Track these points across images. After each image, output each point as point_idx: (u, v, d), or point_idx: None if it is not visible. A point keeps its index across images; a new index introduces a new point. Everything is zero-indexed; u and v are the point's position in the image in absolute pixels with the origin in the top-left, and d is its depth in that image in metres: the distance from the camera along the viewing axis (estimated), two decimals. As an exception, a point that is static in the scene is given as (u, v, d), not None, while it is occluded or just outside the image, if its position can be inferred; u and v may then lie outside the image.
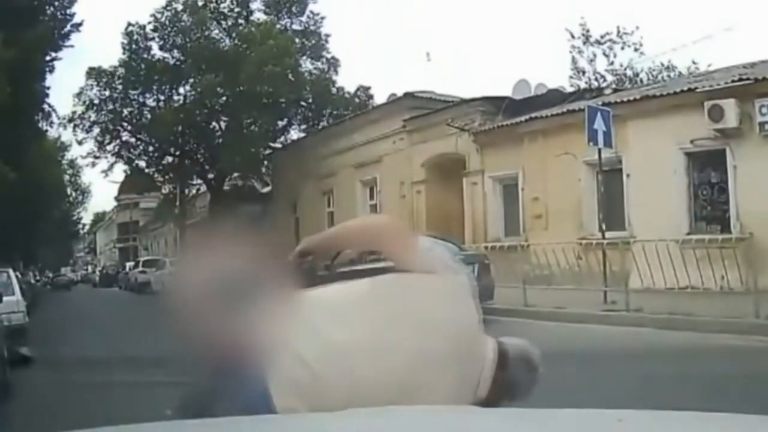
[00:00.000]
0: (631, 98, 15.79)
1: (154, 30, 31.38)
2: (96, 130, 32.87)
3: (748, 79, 13.30)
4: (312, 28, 32.69)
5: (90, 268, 69.83)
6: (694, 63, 26.47)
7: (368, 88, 33.13)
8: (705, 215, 14.30)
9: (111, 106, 32.27)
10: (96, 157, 34.01)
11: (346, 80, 49.99)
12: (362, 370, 1.60)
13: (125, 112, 32.81)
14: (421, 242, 1.80)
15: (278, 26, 31.22)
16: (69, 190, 56.24)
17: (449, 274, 1.76)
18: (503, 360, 1.75)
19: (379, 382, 1.60)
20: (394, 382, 1.60)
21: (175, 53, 31.42)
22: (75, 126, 32.55)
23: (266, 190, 33.74)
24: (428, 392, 1.60)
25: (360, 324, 1.65)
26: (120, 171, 37.04)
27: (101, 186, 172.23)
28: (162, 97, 32.43)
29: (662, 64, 28.14)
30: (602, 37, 28.06)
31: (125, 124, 33.20)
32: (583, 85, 26.28)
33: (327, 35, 32.90)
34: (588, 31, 28.20)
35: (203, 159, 33.32)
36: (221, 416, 1.56)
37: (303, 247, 1.86)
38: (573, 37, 28.31)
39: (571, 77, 28.58)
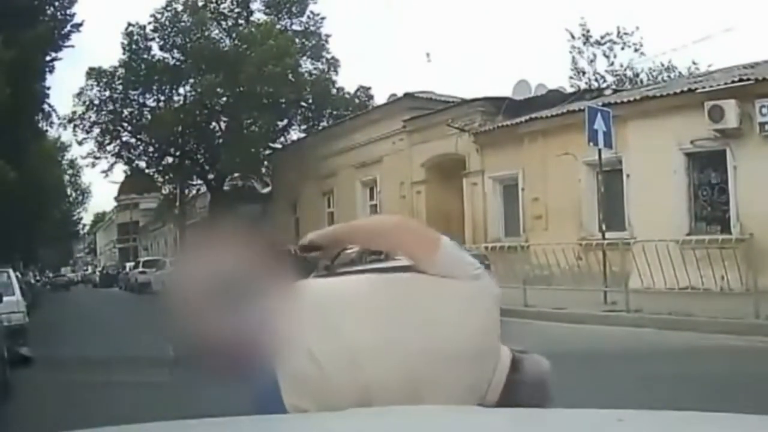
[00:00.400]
0: (631, 99, 15.79)
1: (154, 30, 31.39)
2: (96, 130, 32.94)
3: (748, 79, 13.30)
4: (312, 28, 32.73)
5: (90, 268, 69.86)
6: (694, 63, 26.44)
7: (368, 89, 33.19)
8: (705, 216, 14.29)
9: (111, 107, 32.29)
10: (96, 158, 34.10)
11: (346, 80, 49.91)
12: (368, 368, 1.60)
13: (125, 112, 32.84)
14: (444, 245, 1.73)
15: (278, 26, 31.22)
16: (69, 190, 56.21)
17: (469, 279, 1.71)
18: (516, 370, 1.73)
19: (384, 381, 1.59)
20: (399, 382, 1.59)
21: (175, 53, 31.43)
22: (75, 126, 32.64)
23: (266, 190, 33.74)
24: (433, 394, 1.59)
25: (369, 322, 1.64)
26: (120, 171, 37.14)
27: (101, 186, 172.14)
28: (162, 98, 32.45)
29: (662, 65, 28.13)
30: (602, 37, 28.04)
31: (125, 124, 33.23)
32: (583, 86, 26.24)
33: (327, 35, 32.98)
34: (588, 31, 28.19)
35: (203, 159, 33.33)
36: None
37: (309, 240, 1.84)
38: (573, 37, 28.30)
39: (571, 78, 28.56)
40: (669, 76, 26.85)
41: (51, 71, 23.17)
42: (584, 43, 28.27)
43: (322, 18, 32.84)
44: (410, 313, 1.66)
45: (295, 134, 33.05)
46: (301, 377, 1.62)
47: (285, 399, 1.61)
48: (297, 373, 1.63)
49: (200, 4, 31.51)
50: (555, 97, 19.98)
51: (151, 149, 33.98)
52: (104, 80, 31.76)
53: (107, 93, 32.00)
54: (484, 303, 1.72)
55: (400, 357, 1.61)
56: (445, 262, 1.70)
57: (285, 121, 32.48)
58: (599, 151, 12.82)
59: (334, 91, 32.19)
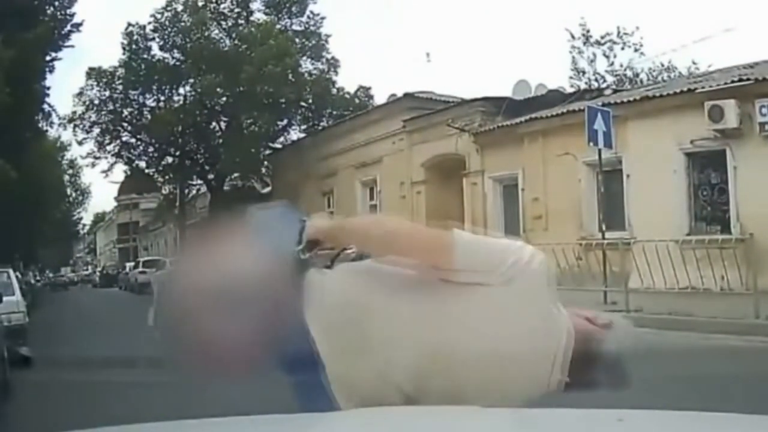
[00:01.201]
0: (631, 99, 15.79)
1: (154, 30, 31.43)
2: (96, 130, 33.00)
3: (748, 79, 13.30)
4: (312, 28, 32.74)
5: (90, 268, 69.88)
6: (694, 63, 26.46)
7: (368, 89, 33.21)
8: (705, 216, 14.29)
9: (111, 107, 32.34)
10: (96, 158, 34.16)
11: (346, 80, 49.90)
12: (403, 372, 1.58)
13: (125, 112, 32.87)
14: (458, 240, 1.61)
15: (278, 26, 31.24)
16: (69, 190, 56.13)
17: (501, 285, 1.58)
18: (585, 343, 1.64)
19: (418, 385, 1.58)
20: (435, 387, 1.58)
21: (175, 53, 31.46)
22: (75, 126, 32.68)
23: (266, 190, 33.73)
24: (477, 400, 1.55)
25: (400, 324, 1.60)
26: (120, 171, 37.18)
27: (101, 186, 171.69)
28: (162, 98, 32.48)
29: (662, 65, 28.15)
30: (602, 37, 28.07)
31: (125, 124, 33.27)
32: (583, 86, 26.25)
33: (327, 35, 33.00)
34: (588, 31, 28.21)
35: (203, 159, 33.36)
36: None
37: (311, 236, 1.80)
38: (573, 37, 28.33)
39: (571, 78, 28.59)
40: (669, 76, 26.85)
41: (51, 71, 23.23)
42: (584, 43, 28.32)
43: (322, 18, 32.91)
44: (440, 319, 1.59)
45: (295, 134, 33.12)
46: (342, 376, 1.61)
47: (336, 397, 1.60)
48: (340, 372, 1.61)
49: (200, 4, 31.52)
50: (555, 97, 19.97)
51: (151, 149, 34.01)
52: (104, 80, 31.79)
53: (107, 93, 32.06)
54: (521, 293, 1.59)
55: (434, 364, 1.57)
56: (464, 265, 1.58)
57: (285, 121, 32.49)
58: (599, 151, 12.84)
59: (334, 91, 32.20)
